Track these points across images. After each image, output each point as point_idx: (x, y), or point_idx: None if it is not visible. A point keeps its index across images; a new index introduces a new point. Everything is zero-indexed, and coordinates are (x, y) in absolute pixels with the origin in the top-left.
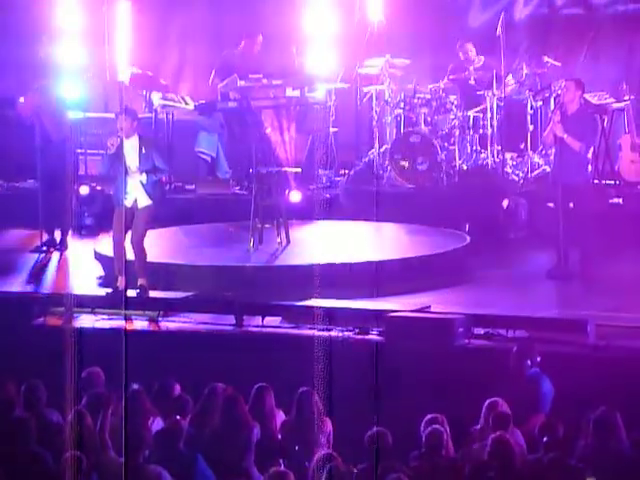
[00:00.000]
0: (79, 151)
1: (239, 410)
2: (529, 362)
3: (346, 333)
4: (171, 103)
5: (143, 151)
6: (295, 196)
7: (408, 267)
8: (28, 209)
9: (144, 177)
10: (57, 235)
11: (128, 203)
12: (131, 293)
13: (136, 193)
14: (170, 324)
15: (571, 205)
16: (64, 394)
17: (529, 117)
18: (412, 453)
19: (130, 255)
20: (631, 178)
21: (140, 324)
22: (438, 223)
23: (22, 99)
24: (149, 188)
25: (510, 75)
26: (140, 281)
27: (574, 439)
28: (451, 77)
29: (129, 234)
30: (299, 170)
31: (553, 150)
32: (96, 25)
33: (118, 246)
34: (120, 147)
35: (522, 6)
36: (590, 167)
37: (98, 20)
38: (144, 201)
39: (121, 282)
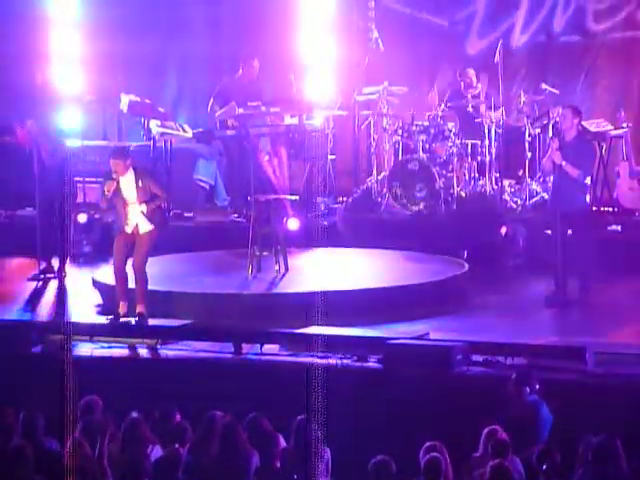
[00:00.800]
0: (77, 179)
1: (238, 438)
2: (528, 389)
3: (345, 361)
4: (169, 131)
5: (140, 184)
6: (293, 224)
7: (406, 294)
8: (26, 237)
9: (144, 207)
10: (55, 263)
11: (129, 229)
12: (130, 320)
13: (137, 219)
14: (169, 352)
15: (569, 232)
16: (62, 422)
17: (527, 144)
18: None
19: (131, 282)
20: (629, 205)
21: (139, 352)
22: (436, 250)
23: (19, 128)
24: (150, 214)
25: (503, 107)
26: (139, 308)
27: (573, 467)
28: (449, 105)
29: (129, 261)
30: (297, 197)
31: (551, 177)
32: (94, 53)
33: (119, 272)
34: (118, 189)
35: (519, 34)
36: (588, 194)
37: (96, 48)
38: (146, 227)
39: (123, 308)
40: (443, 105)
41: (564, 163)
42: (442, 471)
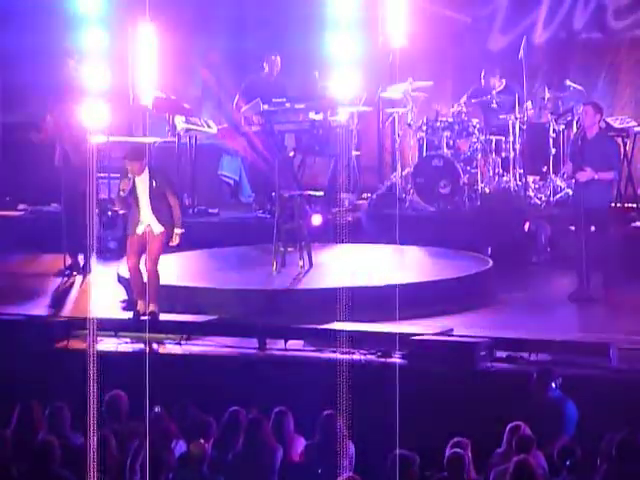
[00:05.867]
0: (103, 175)
1: (263, 433)
2: (551, 385)
3: (369, 356)
4: (194, 127)
5: (154, 184)
6: (317, 219)
7: (430, 290)
8: (52, 233)
9: (159, 226)
10: (81, 259)
11: (140, 230)
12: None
13: (149, 220)
14: (193, 347)
15: (593, 228)
16: (88, 417)
17: (551, 140)
18: (434, 477)
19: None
20: None
21: (163, 347)
22: (460, 246)
23: (43, 123)
24: (162, 218)
25: (530, 102)
26: (151, 307)
27: (596, 462)
28: (473, 101)
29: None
30: (321, 193)
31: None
32: (120, 48)
33: (135, 272)
34: (133, 188)
35: (541, 30)
36: (613, 191)
37: (122, 43)
38: (158, 228)
39: (141, 306)
40: (465, 97)
41: (596, 176)
42: (465, 467)
